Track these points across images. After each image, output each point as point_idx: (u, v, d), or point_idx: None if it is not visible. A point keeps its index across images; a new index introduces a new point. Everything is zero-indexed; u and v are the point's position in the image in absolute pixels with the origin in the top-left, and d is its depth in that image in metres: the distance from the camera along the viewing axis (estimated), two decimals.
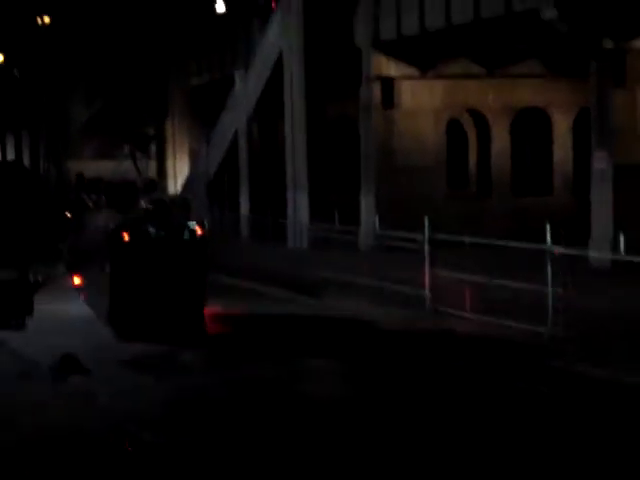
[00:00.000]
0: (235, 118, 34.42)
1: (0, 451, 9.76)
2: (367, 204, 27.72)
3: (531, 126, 30.65)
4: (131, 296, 15.36)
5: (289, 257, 25.79)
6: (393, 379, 12.68)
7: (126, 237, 15.48)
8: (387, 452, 9.54)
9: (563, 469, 9.09)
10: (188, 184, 39.49)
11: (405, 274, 19.22)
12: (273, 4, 31.41)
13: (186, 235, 15.70)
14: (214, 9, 36.12)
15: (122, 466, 9.32)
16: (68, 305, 18.64)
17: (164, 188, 42.04)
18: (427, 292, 17.66)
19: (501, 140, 29.90)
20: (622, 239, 16.29)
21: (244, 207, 33.99)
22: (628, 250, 16.21)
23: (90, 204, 24.59)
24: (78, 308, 18.34)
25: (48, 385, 12.62)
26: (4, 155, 58.73)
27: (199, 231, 15.75)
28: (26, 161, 52.61)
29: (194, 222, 16.14)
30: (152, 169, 45.99)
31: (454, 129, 30.35)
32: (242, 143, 34.21)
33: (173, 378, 12.78)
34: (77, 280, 17.38)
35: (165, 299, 15.31)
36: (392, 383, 12.46)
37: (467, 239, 18.69)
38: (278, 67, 30.33)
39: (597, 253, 20.37)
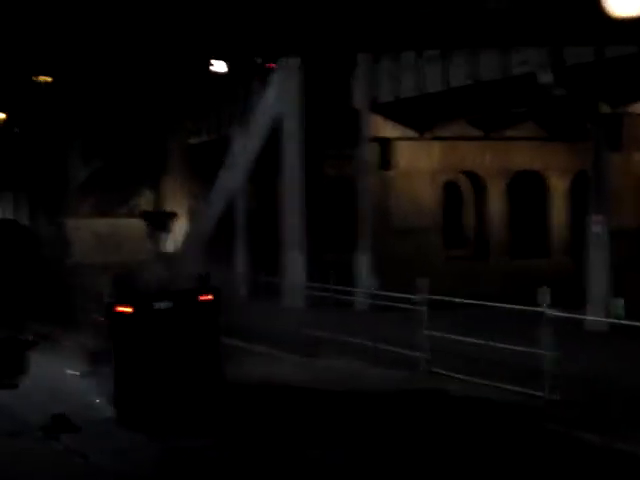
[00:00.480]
0: (233, 177, 34.53)
1: None
2: (363, 264, 27.70)
3: (528, 188, 30.76)
4: (138, 377, 13.89)
5: (284, 316, 25.68)
6: (385, 441, 12.55)
7: (128, 310, 14.01)
8: None
9: None
10: (186, 242, 39.50)
11: (400, 335, 19.14)
12: (271, 65, 31.65)
13: (194, 304, 14.35)
14: (212, 68, 36.39)
15: None
16: (61, 364, 18.57)
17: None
18: (422, 353, 17.56)
19: (498, 202, 29.99)
20: (620, 303, 16.29)
21: (241, 265, 33.96)
22: (626, 313, 16.20)
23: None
24: (72, 367, 18.27)
25: (39, 444, 12.50)
26: (3, 213, 58.90)
27: (207, 297, 14.40)
28: (24, 219, 52.75)
29: (203, 288, 14.62)
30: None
31: (451, 190, 30.46)
32: (239, 202, 34.28)
33: (168, 438, 12.64)
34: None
35: (176, 377, 13.99)
36: (385, 445, 12.34)
37: (463, 300, 18.63)
38: (276, 127, 30.49)
39: (594, 316, 20.32)
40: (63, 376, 17.06)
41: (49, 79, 45.07)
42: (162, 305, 14.07)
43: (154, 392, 13.78)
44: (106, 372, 14.39)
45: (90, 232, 51.39)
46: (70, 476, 11.07)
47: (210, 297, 14.42)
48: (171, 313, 14.12)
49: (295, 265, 29.37)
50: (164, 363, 13.91)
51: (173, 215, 16.31)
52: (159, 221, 15.33)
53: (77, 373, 16.30)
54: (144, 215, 16.56)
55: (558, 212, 30.45)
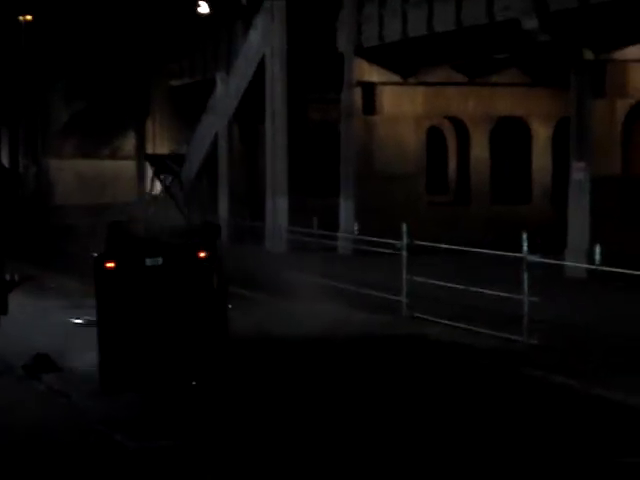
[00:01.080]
0: (216, 120, 34.38)
1: None
2: (346, 209, 27.76)
3: (510, 134, 30.76)
4: (122, 343, 12.03)
5: (267, 261, 25.77)
6: (367, 384, 12.69)
7: (112, 266, 12.15)
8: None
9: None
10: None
11: (383, 279, 19.27)
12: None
13: (190, 260, 12.37)
14: (196, 10, 36.07)
15: (91, 467, 9.29)
16: (44, 305, 18.66)
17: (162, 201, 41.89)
18: (404, 298, 17.70)
19: (480, 148, 30.00)
20: (598, 249, 16.39)
21: (223, 210, 33.95)
22: (604, 260, 16.31)
23: None
24: (54, 308, 18.36)
25: (20, 383, 12.58)
26: None
27: (203, 254, 12.39)
28: (5, 159, 52.44)
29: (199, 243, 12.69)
30: (130, 169, 45.85)
31: (434, 136, 30.44)
32: (222, 146, 34.17)
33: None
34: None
35: (164, 345, 12.05)
36: (366, 389, 12.48)
37: (444, 246, 18.74)
38: (260, 70, 30.32)
39: (573, 262, 20.46)
40: (47, 318, 17.15)
41: (30, 17, 44.65)
42: (154, 261, 12.27)
43: (139, 364, 12.00)
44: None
45: (73, 173, 51.27)
46: (53, 415, 11.16)
47: (208, 253, 12.47)
48: (164, 270, 12.26)
49: (278, 209, 29.40)
50: (154, 328, 12.11)
51: (178, 157, 14.95)
52: (163, 164, 13.96)
53: (79, 320, 16.18)
54: (147, 157, 15.16)
55: (540, 158, 30.49)
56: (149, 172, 42.68)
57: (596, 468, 9.33)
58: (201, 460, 9.51)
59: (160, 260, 12.23)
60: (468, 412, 11.38)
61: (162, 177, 13.91)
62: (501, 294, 16.18)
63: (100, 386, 11.84)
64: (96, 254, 12.33)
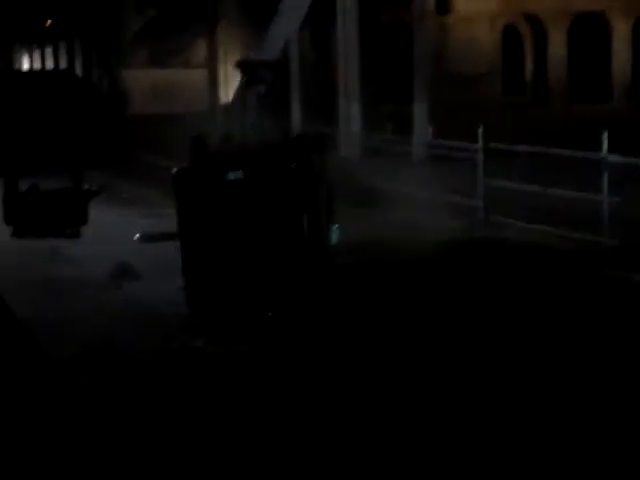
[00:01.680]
0: (286, 25, 33.90)
1: (60, 359, 9.88)
2: (420, 113, 27.38)
3: (589, 31, 29.97)
4: (203, 265, 11.20)
5: (341, 167, 25.63)
6: (445, 289, 12.65)
7: (189, 182, 11.26)
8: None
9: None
10: (238, 92, 39.25)
11: (459, 184, 19.04)
12: None
13: (279, 174, 11.20)
14: None
15: (172, 374, 9.41)
16: (122, 214, 18.85)
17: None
18: (480, 202, 17.49)
19: (558, 46, 29.31)
20: None
21: (295, 116, 33.76)
22: None
23: None
24: (131, 217, 18.54)
25: (103, 292, 12.77)
26: (57, 63, 58.86)
27: (293, 166, 11.26)
28: (79, 70, 52.72)
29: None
30: (201, 77, 45.74)
31: (510, 35, 29.78)
32: (293, 50, 33.82)
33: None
34: None
35: (244, 270, 11.09)
36: (444, 293, 12.44)
37: (522, 148, 18.42)
38: None
39: None
40: (126, 228, 17.31)
41: None
42: (237, 175, 11.16)
43: (220, 287, 11.14)
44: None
45: (146, 83, 51.40)
46: (134, 321, 11.32)
47: (299, 167, 11.30)
48: (250, 186, 11.18)
49: (351, 115, 29.11)
50: (236, 250, 11.13)
51: (269, 64, 13.21)
52: (255, 72, 12.49)
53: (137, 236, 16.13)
54: (239, 64, 13.51)
55: (621, 55, 29.70)
56: (223, 80, 42.36)
57: None
58: (276, 363, 9.58)
59: (242, 174, 11.10)
60: (550, 311, 11.30)
61: (256, 87, 12.64)
62: (581, 195, 15.93)
63: (187, 305, 11.26)
64: (175, 169, 11.47)
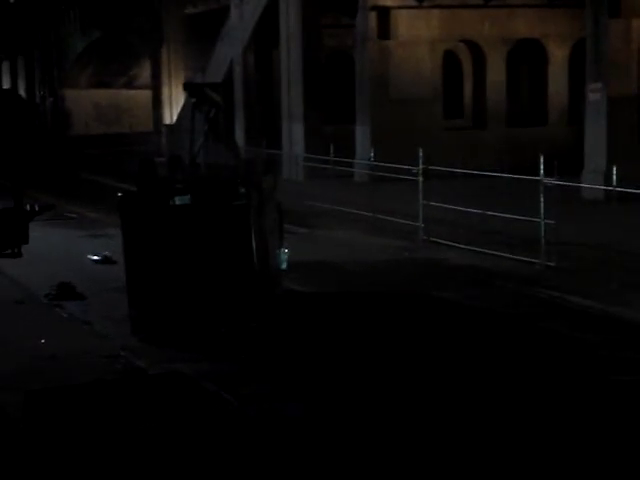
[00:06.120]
0: (231, 48, 34.21)
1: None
2: (362, 135, 27.69)
3: (527, 57, 30.53)
4: (150, 287, 11.29)
5: (284, 188, 25.83)
6: (389, 305, 12.86)
7: (136, 207, 11.25)
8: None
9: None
10: (182, 115, 39.32)
11: (399, 205, 19.35)
12: None
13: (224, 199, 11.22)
14: None
15: (118, 392, 9.48)
16: (64, 234, 18.85)
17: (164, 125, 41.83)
18: (421, 223, 17.78)
19: (497, 71, 29.76)
20: (615, 171, 16.40)
21: (239, 138, 33.91)
22: (621, 181, 16.33)
23: None
24: (75, 237, 18.55)
25: (44, 311, 12.79)
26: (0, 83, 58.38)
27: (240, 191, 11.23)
28: (22, 90, 52.39)
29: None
30: (145, 98, 45.73)
31: (450, 60, 30.22)
32: (237, 73, 34.03)
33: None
34: None
35: (192, 290, 11.23)
36: (389, 307, 12.65)
37: (461, 171, 18.77)
38: None
39: (590, 184, 20.46)
40: (68, 248, 17.33)
41: None
42: (184, 200, 11.19)
43: (168, 308, 11.25)
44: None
45: (90, 103, 51.12)
46: (76, 341, 11.35)
47: (246, 191, 11.29)
48: (197, 211, 11.27)
49: (295, 137, 29.37)
50: (183, 271, 11.24)
51: (216, 85, 12.87)
52: (203, 93, 12.39)
53: (95, 257, 16.14)
54: (186, 86, 13.11)
55: (557, 80, 30.26)
56: (167, 101, 42.12)
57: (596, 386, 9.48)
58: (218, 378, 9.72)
59: (188, 199, 11.11)
60: (483, 332, 11.54)
61: (204, 109, 12.54)
62: (518, 217, 16.27)
63: (131, 328, 11.34)
64: (120, 194, 11.49)
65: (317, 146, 27.07)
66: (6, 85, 56.41)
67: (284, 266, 12.67)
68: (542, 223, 15.32)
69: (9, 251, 13.74)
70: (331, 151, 23.99)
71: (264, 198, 11.68)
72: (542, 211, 15.34)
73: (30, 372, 10.06)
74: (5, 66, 58.49)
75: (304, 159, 27.22)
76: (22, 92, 51.58)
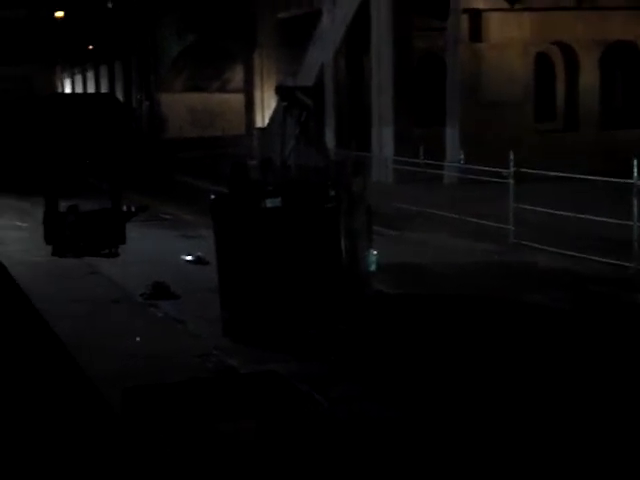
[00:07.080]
0: (322, 51, 34.44)
1: (97, 376, 10.20)
2: (452, 138, 27.68)
3: (621, 59, 30.14)
4: (240, 290, 11.42)
5: (374, 191, 25.92)
6: (477, 310, 12.90)
7: (228, 209, 11.40)
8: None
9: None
10: (275, 116, 39.65)
11: (489, 208, 19.32)
12: None
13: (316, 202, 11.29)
14: None
15: (213, 391, 9.70)
16: (160, 235, 19.24)
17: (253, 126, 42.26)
18: (511, 226, 17.75)
19: (589, 73, 29.46)
20: None
21: (329, 141, 34.12)
22: None
23: None
24: (170, 237, 18.93)
25: (140, 310, 13.10)
26: (98, 87, 59.62)
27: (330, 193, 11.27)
28: (119, 93, 53.45)
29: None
30: (238, 102, 46.26)
31: (542, 62, 30.00)
32: (328, 77, 34.25)
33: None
34: None
35: (284, 293, 11.35)
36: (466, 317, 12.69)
37: (552, 173, 18.66)
38: (365, 0, 30.23)
39: None
40: (163, 248, 17.68)
41: None
42: (275, 203, 11.25)
43: (260, 310, 11.35)
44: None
45: (184, 107, 51.91)
46: (169, 338, 11.59)
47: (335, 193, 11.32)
48: (288, 214, 11.35)
49: (384, 140, 29.46)
50: (275, 274, 11.36)
51: (308, 89, 12.63)
52: (294, 97, 12.38)
53: (189, 257, 16.38)
54: (278, 90, 13.20)
55: None
56: (259, 104, 42.65)
57: None
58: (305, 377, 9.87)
59: (279, 201, 11.20)
60: (572, 335, 11.51)
61: (295, 112, 12.62)
62: (610, 220, 16.13)
63: (222, 330, 11.47)
64: (213, 196, 11.64)
65: (406, 149, 27.13)
66: (104, 89, 57.63)
67: (373, 268, 12.84)
68: (635, 226, 15.18)
69: (107, 251, 14.16)
70: (420, 154, 24.02)
71: (354, 200, 11.77)
72: (635, 214, 15.20)
73: (127, 370, 10.31)
74: (103, 70, 59.73)
75: (393, 162, 27.30)
76: (120, 96, 52.64)
